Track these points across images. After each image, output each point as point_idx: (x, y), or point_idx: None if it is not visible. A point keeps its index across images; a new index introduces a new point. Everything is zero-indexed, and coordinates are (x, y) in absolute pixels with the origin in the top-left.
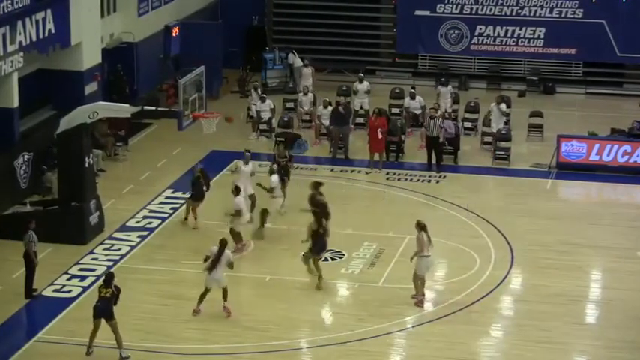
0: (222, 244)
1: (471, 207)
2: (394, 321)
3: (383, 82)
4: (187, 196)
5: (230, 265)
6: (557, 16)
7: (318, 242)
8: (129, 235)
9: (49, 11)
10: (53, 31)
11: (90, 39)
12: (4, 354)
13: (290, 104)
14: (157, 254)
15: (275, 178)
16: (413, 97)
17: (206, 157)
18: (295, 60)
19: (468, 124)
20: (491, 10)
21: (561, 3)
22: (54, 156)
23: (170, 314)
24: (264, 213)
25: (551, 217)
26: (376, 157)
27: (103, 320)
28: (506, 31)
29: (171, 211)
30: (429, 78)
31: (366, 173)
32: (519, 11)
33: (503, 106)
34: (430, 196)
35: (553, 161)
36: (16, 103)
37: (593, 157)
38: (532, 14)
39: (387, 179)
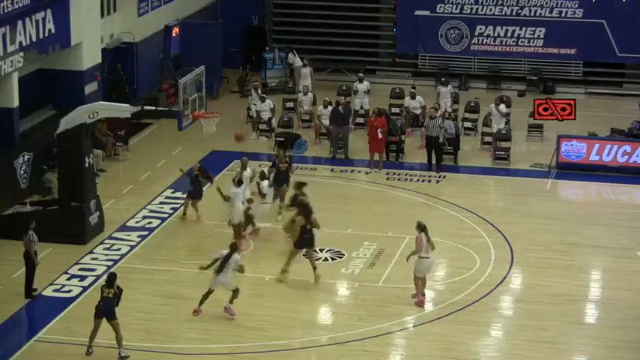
0: (233, 247)
1: (471, 207)
2: (394, 321)
3: (383, 82)
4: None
5: (240, 269)
6: (557, 16)
7: (303, 237)
8: (129, 235)
9: (48, 11)
10: (53, 31)
11: (90, 39)
12: (4, 354)
13: (290, 104)
14: (156, 254)
15: (266, 183)
16: (413, 97)
17: (206, 157)
18: (295, 60)
19: (468, 124)
20: (491, 10)
21: (561, 3)
22: (54, 156)
23: (170, 314)
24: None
25: (551, 217)
26: (376, 157)
27: (103, 320)
28: (506, 31)
29: (171, 211)
30: (429, 78)
31: (366, 173)
32: (519, 11)
33: (502, 107)
34: (430, 196)
35: (553, 161)
36: (16, 103)
37: (593, 157)
38: (532, 14)
39: (387, 179)
